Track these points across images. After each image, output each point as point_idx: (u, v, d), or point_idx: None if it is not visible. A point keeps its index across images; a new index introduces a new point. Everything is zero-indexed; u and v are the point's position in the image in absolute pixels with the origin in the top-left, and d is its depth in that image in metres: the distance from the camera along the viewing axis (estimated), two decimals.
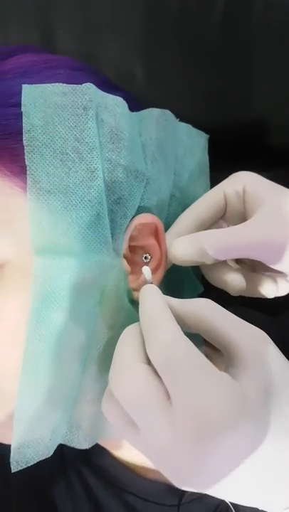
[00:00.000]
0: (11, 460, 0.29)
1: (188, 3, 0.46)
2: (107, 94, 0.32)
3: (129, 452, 0.40)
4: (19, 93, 0.30)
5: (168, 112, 0.37)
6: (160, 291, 0.30)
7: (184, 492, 0.38)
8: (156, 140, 0.34)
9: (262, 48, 0.47)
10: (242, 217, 0.36)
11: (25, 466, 0.29)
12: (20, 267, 0.29)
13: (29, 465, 0.29)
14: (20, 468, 0.29)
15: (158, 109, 0.35)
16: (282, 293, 0.36)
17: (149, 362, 0.27)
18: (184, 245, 0.33)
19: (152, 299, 0.29)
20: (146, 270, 0.32)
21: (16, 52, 0.34)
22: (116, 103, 0.32)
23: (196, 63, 0.47)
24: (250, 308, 0.43)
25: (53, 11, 0.44)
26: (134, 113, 0.34)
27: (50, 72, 0.32)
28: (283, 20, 0.47)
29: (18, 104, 0.30)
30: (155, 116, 0.35)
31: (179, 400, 0.24)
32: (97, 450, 0.40)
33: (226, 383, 0.25)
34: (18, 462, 0.29)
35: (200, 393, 0.24)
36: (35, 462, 0.30)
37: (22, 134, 0.29)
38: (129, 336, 0.28)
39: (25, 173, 0.29)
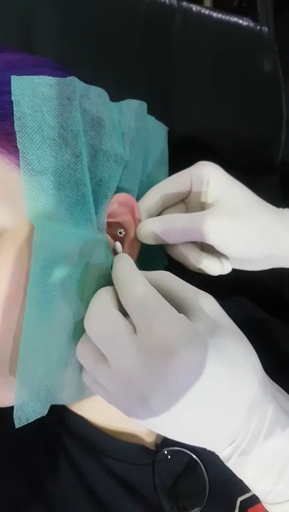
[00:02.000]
0: (14, 417, 0.31)
1: (151, 21, 0.52)
2: (89, 85, 0.35)
3: (103, 416, 0.42)
4: (10, 83, 0.32)
5: (144, 104, 0.41)
6: (130, 257, 0.35)
7: (157, 451, 0.41)
8: (134, 128, 0.38)
9: (215, 60, 0.54)
10: (201, 203, 0.41)
11: (26, 423, 0.31)
12: (17, 236, 0.32)
13: (29, 422, 0.32)
14: (22, 424, 0.31)
15: (136, 100, 0.40)
16: (226, 271, 0.42)
17: (119, 309, 0.32)
18: (150, 227, 0.38)
19: (124, 261, 0.35)
20: (117, 245, 0.37)
21: None
22: (97, 93, 0.36)
23: (159, 70, 0.53)
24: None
25: (33, 15, 0.48)
26: (114, 103, 0.38)
27: (34, 69, 0.35)
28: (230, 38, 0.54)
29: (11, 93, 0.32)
30: (134, 107, 0.39)
31: (145, 329, 0.30)
32: (74, 417, 0.42)
33: (182, 318, 0.30)
34: (20, 419, 0.31)
35: (162, 322, 0.29)
36: (34, 419, 0.32)
37: None
38: (102, 291, 0.33)
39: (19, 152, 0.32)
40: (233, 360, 0.30)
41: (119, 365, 0.30)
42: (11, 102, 0.32)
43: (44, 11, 0.48)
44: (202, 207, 0.41)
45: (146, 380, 0.29)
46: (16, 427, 0.31)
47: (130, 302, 0.31)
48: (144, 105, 0.41)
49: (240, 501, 0.40)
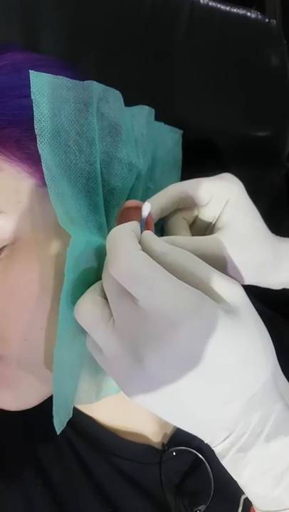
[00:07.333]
0: (55, 423, 0.31)
1: (157, 15, 0.51)
2: (108, 87, 0.34)
3: (111, 417, 0.44)
4: (21, 86, 0.31)
5: (152, 111, 0.40)
6: (137, 225, 0.31)
7: (163, 451, 0.43)
8: (146, 136, 0.38)
9: (223, 53, 0.53)
10: (212, 219, 0.39)
11: (63, 427, 0.32)
12: (30, 243, 0.31)
13: (64, 426, 0.32)
14: (62, 428, 0.32)
15: (147, 107, 0.38)
16: None
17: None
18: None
19: (123, 226, 0.30)
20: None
21: (4, 50, 0.35)
22: (115, 96, 0.35)
23: (164, 63, 0.52)
24: None
25: (36, 13, 0.47)
26: (127, 108, 0.37)
27: (42, 70, 0.33)
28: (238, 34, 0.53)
29: (22, 96, 0.31)
30: (146, 114, 0.38)
31: (142, 300, 0.27)
32: (83, 417, 0.43)
33: (185, 286, 0.27)
34: (58, 424, 0.32)
35: (159, 293, 0.26)
36: (66, 422, 0.33)
37: (25, 123, 0.31)
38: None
39: (30, 159, 0.31)
40: (242, 347, 0.27)
41: (121, 323, 0.28)
42: (21, 107, 0.31)
43: (46, 9, 0.48)
44: (212, 221, 0.40)
45: (146, 344, 0.27)
46: (58, 432, 0.31)
47: (124, 275, 0.28)
48: (152, 112, 0.40)
49: (244, 499, 0.41)
